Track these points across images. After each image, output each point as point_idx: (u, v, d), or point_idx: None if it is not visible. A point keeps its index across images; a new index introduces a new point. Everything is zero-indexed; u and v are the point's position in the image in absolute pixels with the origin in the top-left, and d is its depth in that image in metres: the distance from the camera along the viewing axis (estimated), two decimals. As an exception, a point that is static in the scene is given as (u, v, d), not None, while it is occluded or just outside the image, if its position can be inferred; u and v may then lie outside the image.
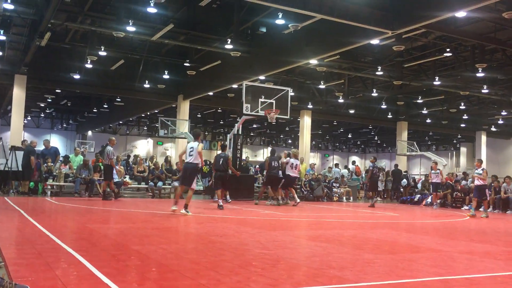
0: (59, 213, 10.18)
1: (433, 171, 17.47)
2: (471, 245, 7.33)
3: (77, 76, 22.06)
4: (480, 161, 14.16)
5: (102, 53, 18.97)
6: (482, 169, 13.48)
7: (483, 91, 22.92)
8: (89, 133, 46.11)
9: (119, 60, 21.31)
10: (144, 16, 16.16)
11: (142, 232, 7.16)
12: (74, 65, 21.49)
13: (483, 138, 34.51)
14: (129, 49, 20.52)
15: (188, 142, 11.22)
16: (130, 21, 15.24)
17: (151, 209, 11.94)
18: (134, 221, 8.92)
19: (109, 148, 13.90)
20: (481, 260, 5.63)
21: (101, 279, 3.77)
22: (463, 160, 42.67)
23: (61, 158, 17.32)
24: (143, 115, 38.18)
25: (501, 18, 13.25)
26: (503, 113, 29.38)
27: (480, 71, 18.26)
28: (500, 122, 32.92)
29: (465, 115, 30.58)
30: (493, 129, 35.01)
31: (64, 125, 47.43)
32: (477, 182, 13.49)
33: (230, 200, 14.43)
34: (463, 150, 43.08)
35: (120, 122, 43.89)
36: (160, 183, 16.72)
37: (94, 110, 38.15)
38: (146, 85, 23.61)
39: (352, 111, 29.68)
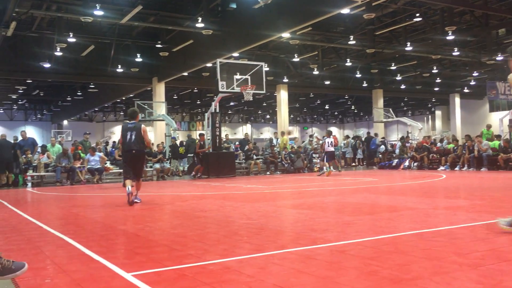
0: (43, 202, 10.20)
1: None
2: (446, 201, 7.65)
3: (47, 65, 21.64)
4: (329, 132, 17.05)
5: (71, 39, 18.65)
6: (333, 137, 16.64)
7: (454, 53, 23.36)
8: (65, 122, 45.45)
9: (89, 45, 20.97)
10: (111, -1, 15.92)
11: (127, 213, 7.27)
12: (43, 53, 21.06)
13: (457, 100, 35.25)
14: (98, 34, 20.21)
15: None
16: (97, 5, 15.00)
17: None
18: (118, 204, 8.99)
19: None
20: (454, 214, 5.92)
21: (92, 257, 3.90)
22: (438, 123, 43.56)
23: (39, 149, 17.15)
24: (118, 100, 37.77)
25: (467, -20, 13.44)
26: (475, 74, 30.01)
27: (450, 34, 18.58)
28: (472, 83, 33.62)
29: (438, 78, 31.14)
30: (466, 90, 35.76)
31: (39, 116, 46.67)
32: (329, 148, 16.05)
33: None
34: (438, 113, 43.96)
35: (96, 109, 43.37)
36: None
37: (68, 99, 37.62)
38: (119, 70, 23.32)
39: (327, 82, 29.93)
